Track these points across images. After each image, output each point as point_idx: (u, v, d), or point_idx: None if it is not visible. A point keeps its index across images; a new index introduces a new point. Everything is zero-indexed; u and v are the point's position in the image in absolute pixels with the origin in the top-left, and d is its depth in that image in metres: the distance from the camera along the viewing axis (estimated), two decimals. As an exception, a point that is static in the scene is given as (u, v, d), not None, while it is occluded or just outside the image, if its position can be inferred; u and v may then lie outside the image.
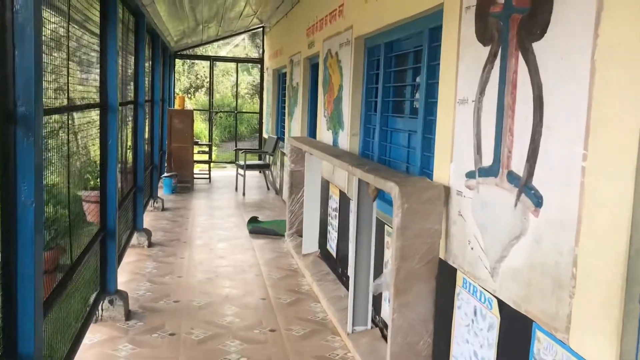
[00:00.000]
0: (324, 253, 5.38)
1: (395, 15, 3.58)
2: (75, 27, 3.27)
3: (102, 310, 3.85)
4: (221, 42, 15.31)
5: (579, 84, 1.76)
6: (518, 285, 2.10)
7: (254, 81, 19.77)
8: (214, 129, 15.79)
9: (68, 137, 3.04)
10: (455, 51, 2.67)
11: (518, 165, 2.11)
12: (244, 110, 18.00)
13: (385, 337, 3.49)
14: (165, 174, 9.36)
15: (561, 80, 1.87)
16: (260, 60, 12.97)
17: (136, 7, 5.49)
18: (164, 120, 9.41)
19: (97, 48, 3.85)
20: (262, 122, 12.28)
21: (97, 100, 3.85)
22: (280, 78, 9.97)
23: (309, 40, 6.56)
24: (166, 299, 4.38)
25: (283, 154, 8.41)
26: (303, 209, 5.63)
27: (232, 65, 17.09)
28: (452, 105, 2.69)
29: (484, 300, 2.37)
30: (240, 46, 19.84)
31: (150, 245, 5.88)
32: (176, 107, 10.26)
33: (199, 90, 20.82)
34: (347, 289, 4.08)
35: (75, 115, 3.32)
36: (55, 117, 2.80)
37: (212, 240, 6.34)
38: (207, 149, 11.98)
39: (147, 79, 7.02)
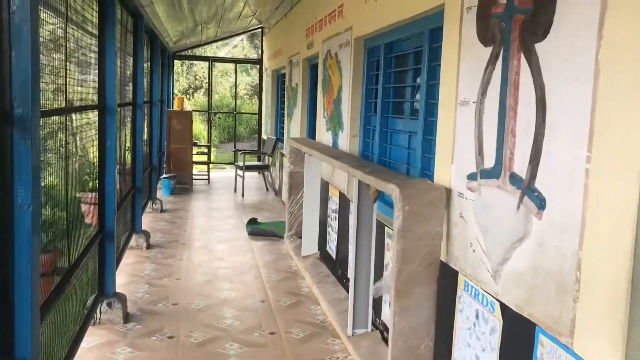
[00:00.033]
0: (323, 255, 5.36)
1: (395, 16, 3.56)
2: (74, 28, 3.25)
3: (100, 313, 3.82)
4: (220, 42, 15.32)
5: (583, 85, 1.75)
6: (521, 288, 2.08)
7: (252, 82, 19.76)
8: (212, 130, 15.80)
9: (66, 138, 3.02)
10: (456, 52, 2.66)
11: (520, 167, 2.09)
12: (243, 111, 17.96)
13: (385, 340, 3.47)
14: (164, 175, 9.34)
15: (564, 82, 1.85)
16: (259, 61, 12.96)
17: (135, 7, 5.47)
18: (162, 121, 9.39)
19: (96, 49, 3.83)
20: (261, 123, 12.27)
21: (96, 101, 3.83)
22: (280, 79, 9.95)
23: (308, 41, 6.54)
24: (165, 301, 4.36)
25: (282, 155, 8.39)
26: (302, 211, 5.61)
27: (231, 66, 17.12)
28: (453, 107, 2.67)
29: (486, 303, 2.35)
30: (239, 47, 19.85)
31: (148, 247, 5.85)
32: (175, 108, 10.24)
33: (198, 91, 20.81)
34: (347, 291, 4.06)
35: (74, 116, 3.30)
36: (54, 118, 2.78)
37: (211, 241, 6.32)
38: (206, 150, 11.96)
39: (145, 80, 7.00)
